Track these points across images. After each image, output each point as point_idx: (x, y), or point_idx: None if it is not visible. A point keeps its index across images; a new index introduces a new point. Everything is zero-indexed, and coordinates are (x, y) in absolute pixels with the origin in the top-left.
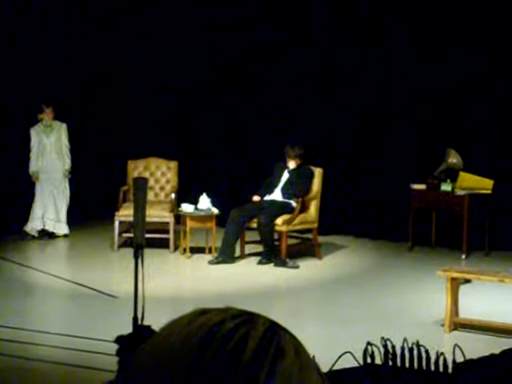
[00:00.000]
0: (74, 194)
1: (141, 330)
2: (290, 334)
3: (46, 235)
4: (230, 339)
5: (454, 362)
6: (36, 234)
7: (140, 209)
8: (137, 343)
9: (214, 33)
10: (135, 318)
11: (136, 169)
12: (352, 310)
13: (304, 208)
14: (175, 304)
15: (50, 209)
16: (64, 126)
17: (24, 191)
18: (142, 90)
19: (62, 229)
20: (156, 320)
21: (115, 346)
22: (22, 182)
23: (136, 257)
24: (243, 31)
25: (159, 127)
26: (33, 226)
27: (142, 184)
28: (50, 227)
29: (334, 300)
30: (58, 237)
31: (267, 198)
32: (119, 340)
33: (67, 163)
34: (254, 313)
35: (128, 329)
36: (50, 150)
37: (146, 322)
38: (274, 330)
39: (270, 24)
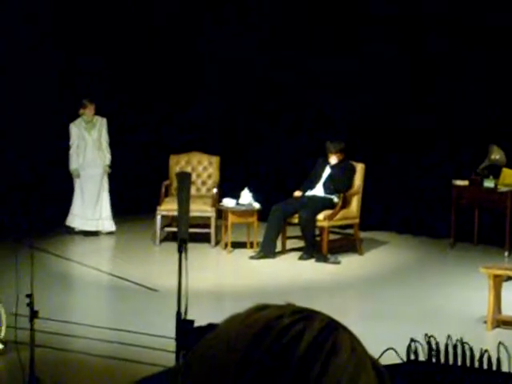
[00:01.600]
0: (115, 189)
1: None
2: (349, 331)
3: (90, 233)
4: (286, 334)
5: (498, 359)
6: (77, 230)
7: (184, 203)
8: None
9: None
10: (178, 313)
11: (178, 163)
12: (393, 307)
13: (345, 203)
14: (216, 299)
15: (91, 208)
16: (105, 120)
17: (65, 184)
18: (186, 84)
19: (107, 226)
20: (197, 314)
21: (155, 339)
22: (63, 175)
23: (180, 251)
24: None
25: (202, 122)
26: (74, 222)
27: (185, 179)
28: (92, 227)
29: (376, 296)
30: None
31: (309, 193)
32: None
33: (108, 158)
34: (315, 310)
35: (169, 322)
36: (92, 146)
37: (188, 317)
38: (332, 328)
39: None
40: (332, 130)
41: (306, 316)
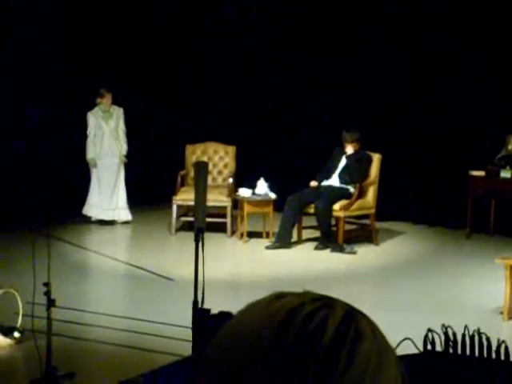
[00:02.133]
0: (131, 179)
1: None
2: (368, 318)
3: (106, 223)
4: (310, 321)
5: None
6: (93, 219)
7: (201, 193)
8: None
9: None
10: (195, 302)
11: (194, 153)
12: (409, 297)
13: (361, 194)
14: (232, 288)
15: (107, 197)
16: (121, 110)
17: (82, 174)
18: (203, 75)
19: (123, 216)
20: (213, 304)
21: (171, 328)
22: (79, 164)
23: (197, 240)
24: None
25: (218, 111)
26: (91, 212)
27: (202, 168)
28: (108, 217)
29: (392, 286)
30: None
31: (325, 183)
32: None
33: (124, 148)
34: (332, 297)
35: (186, 312)
36: (109, 136)
37: (204, 306)
38: (352, 314)
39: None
40: (349, 120)
41: (327, 303)
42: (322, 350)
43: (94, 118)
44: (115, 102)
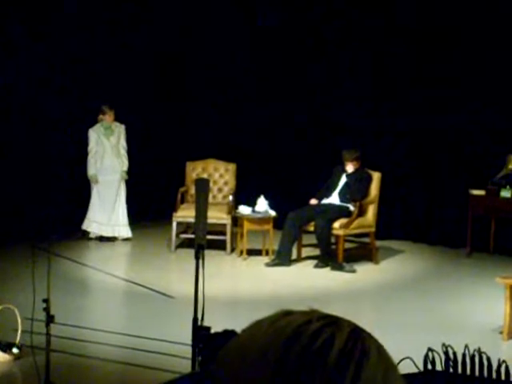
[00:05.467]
0: (132, 195)
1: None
2: (373, 337)
3: (106, 239)
4: (316, 339)
5: None
6: (93, 236)
7: (201, 209)
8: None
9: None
10: (195, 319)
11: (194, 170)
12: (409, 316)
13: (361, 212)
14: (231, 306)
15: (108, 214)
16: (123, 127)
17: (82, 189)
18: (200, 91)
19: (123, 232)
20: (213, 321)
21: (171, 346)
22: (80, 180)
23: (197, 257)
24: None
25: (217, 129)
26: (91, 227)
27: (204, 185)
28: (108, 233)
29: (392, 305)
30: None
31: (325, 201)
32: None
33: (125, 164)
34: (338, 316)
35: (185, 329)
36: (110, 153)
37: (204, 323)
38: (359, 332)
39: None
40: (348, 139)
41: (333, 321)
42: (328, 367)
43: (95, 135)
44: (117, 119)
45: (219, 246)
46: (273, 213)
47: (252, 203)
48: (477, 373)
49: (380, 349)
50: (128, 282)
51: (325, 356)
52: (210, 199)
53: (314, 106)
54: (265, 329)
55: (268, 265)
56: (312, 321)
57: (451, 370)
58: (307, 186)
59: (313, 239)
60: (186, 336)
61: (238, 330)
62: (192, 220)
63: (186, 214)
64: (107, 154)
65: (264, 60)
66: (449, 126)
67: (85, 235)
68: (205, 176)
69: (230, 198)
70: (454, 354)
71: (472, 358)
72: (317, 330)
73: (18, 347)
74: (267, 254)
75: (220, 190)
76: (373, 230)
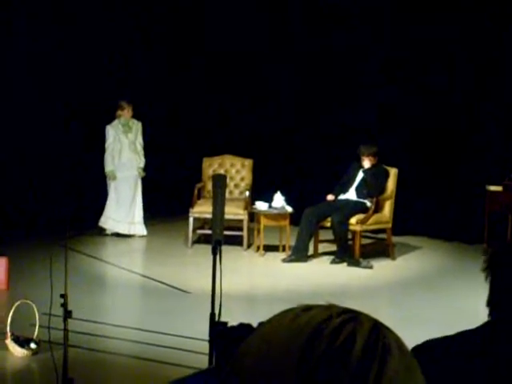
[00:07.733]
0: (148, 192)
1: (240, 327)
2: (393, 331)
3: (122, 235)
4: (339, 335)
5: None
6: (109, 233)
7: (219, 205)
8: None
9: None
10: (212, 314)
11: (211, 166)
12: (426, 312)
13: (378, 208)
14: (248, 301)
15: (125, 211)
16: (140, 124)
17: (99, 185)
18: (220, 88)
19: (139, 230)
20: (230, 316)
21: (188, 341)
22: (98, 176)
23: (214, 253)
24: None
25: (236, 124)
26: (107, 224)
27: (221, 180)
28: (125, 230)
29: (408, 301)
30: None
31: (342, 197)
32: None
33: (142, 161)
34: (357, 310)
35: (202, 325)
36: (128, 149)
37: (221, 319)
38: (379, 328)
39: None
40: (366, 135)
41: (353, 316)
42: (352, 364)
43: (113, 131)
44: (134, 116)
45: (236, 241)
46: (289, 209)
47: (269, 199)
48: None
49: (401, 345)
50: (145, 278)
51: (347, 354)
52: (227, 195)
53: (331, 102)
54: (285, 326)
55: (285, 261)
56: (332, 317)
57: None
58: (324, 182)
59: (329, 235)
60: (203, 331)
61: (255, 325)
62: (208, 216)
63: (202, 209)
64: (125, 150)
65: (284, 57)
66: (466, 121)
67: (101, 232)
68: (221, 172)
69: (247, 193)
70: None
71: None
72: (338, 326)
73: (35, 342)
74: (284, 249)
75: (236, 185)
76: (389, 225)
